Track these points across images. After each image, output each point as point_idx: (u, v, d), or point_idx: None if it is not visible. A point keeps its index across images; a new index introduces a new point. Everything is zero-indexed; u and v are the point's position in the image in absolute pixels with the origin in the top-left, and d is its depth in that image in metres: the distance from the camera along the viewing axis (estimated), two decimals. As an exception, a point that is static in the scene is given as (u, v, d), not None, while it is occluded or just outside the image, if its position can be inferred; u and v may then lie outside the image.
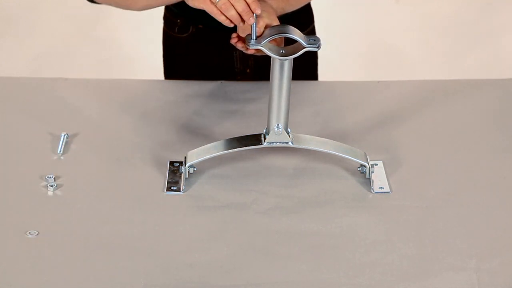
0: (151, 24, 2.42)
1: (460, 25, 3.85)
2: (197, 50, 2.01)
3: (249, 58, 1.98)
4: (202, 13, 1.59)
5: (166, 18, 2.05)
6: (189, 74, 2.03)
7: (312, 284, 1.38)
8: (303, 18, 1.99)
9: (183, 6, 1.66)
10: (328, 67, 2.12)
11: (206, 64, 2.01)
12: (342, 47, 3.52)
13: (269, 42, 1.54)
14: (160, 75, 2.12)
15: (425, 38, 3.81)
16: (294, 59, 1.54)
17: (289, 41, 1.56)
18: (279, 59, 1.54)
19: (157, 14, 2.08)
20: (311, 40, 1.53)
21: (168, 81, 2.04)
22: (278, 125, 1.58)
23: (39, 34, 3.77)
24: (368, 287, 1.38)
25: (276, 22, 1.60)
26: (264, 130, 1.61)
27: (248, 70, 2.00)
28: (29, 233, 1.47)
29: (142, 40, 3.60)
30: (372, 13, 3.82)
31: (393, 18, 3.89)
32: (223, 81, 1.97)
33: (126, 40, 3.70)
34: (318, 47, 1.53)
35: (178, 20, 2.00)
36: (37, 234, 1.47)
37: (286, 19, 1.72)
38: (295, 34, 1.53)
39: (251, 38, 1.54)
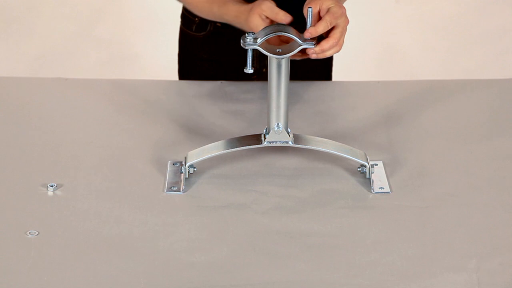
0: (151, 25, 2.43)
1: (460, 25, 3.85)
2: (214, 49, 2.00)
3: (266, 57, 1.97)
4: None
5: (183, 16, 2.03)
6: (204, 73, 2.01)
7: (312, 284, 1.38)
8: None
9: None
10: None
11: (222, 63, 2.00)
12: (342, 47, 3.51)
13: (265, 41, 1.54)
14: (161, 74, 2.12)
15: (425, 38, 3.81)
16: (309, 60, 1.53)
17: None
18: (276, 58, 1.54)
19: (157, 15, 2.08)
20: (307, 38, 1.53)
21: (168, 81, 2.04)
22: (278, 124, 1.58)
23: (39, 34, 3.77)
24: (368, 287, 1.38)
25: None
26: (264, 130, 1.61)
27: (264, 70, 1.97)
28: (29, 233, 1.47)
29: (142, 40, 3.60)
30: (372, 13, 3.82)
31: (393, 18, 3.89)
32: (223, 81, 1.97)
33: (126, 40, 3.70)
34: (315, 44, 1.53)
35: (196, 18, 1.98)
36: (37, 234, 1.47)
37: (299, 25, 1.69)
38: (291, 32, 1.53)
39: (246, 38, 1.53)
